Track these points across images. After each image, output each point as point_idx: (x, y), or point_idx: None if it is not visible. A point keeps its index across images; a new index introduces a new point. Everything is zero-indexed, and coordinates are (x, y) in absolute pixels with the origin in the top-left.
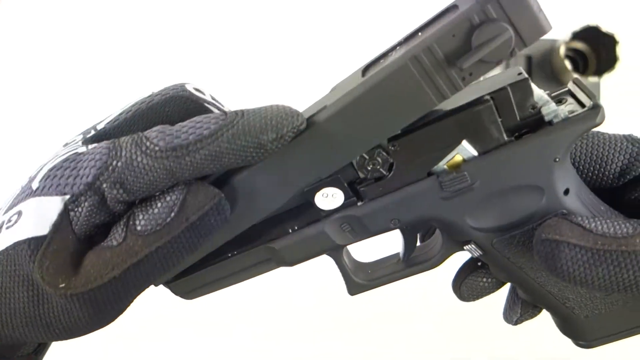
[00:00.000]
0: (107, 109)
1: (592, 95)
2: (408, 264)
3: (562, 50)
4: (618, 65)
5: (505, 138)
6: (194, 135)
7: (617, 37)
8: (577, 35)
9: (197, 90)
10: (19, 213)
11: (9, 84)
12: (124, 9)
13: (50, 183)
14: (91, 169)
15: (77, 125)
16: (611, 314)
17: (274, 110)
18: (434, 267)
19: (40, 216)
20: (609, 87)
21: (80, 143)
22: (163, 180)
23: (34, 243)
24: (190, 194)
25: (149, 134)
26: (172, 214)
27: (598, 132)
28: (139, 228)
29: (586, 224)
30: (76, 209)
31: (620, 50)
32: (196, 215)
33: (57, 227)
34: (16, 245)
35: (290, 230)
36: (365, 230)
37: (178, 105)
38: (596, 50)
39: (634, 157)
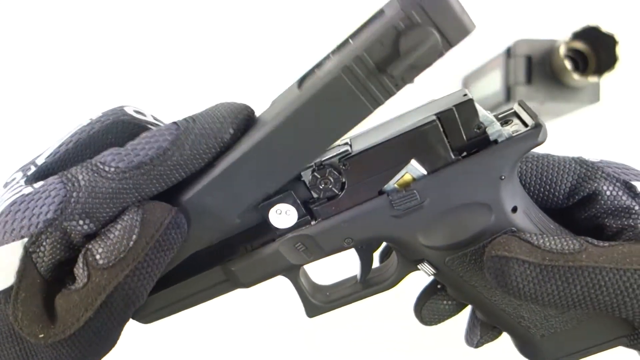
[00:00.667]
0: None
1: (535, 115)
2: (365, 285)
3: (562, 50)
4: (618, 65)
5: (453, 157)
6: (154, 149)
7: (617, 37)
8: (577, 35)
9: (137, 112)
10: None
11: (8, 84)
12: (121, 9)
13: (3, 230)
14: (50, 205)
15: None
16: (567, 333)
17: (224, 107)
18: (390, 288)
19: (3, 267)
20: (609, 87)
21: (22, 182)
22: (131, 200)
23: (3, 295)
24: (148, 212)
25: (102, 158)
26: (134, 237)
27: (548, 154)
28: (100, 262)
29: (534, 241)
30: (38, 250)
31: (620, 50)
32: (159, 231)
33: (21, 273)
34: None
35: (245, 250)
36: (320, 249)
37: (120, 130)
38: (596, 50)
39: (582, 178)
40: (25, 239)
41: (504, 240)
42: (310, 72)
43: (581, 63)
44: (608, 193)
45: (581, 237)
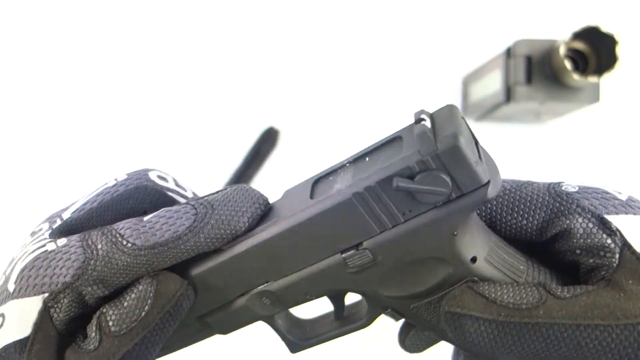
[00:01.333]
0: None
1: (489, 167)
2: (340, 324)
3: (562, 51)
4: (618, 65)
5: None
6: (170, 232)
7: (617, 37)
8: (577, 35)
9: (160, 177)
10: (2, 316)
11: (8, 84)
12: (121, 11)
13: (27, 284)
14: (68, 269)
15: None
16: None
17: (242, 196)
18: (365, 327)
19: (22, 318)
20: (609, 87)
21: (47, 235)
22: (143, 273)
23: (19, 346)
24: (161, 283)
25: (122, 230)
26: (147, 307)
27: (523, 185)
28: (112, 329)
29: (491, 294)
30: (55, 306)
31: (620, 50)
32: (171, 303)
33: (38, 325)
34: (6, 348)
35: (223, 304)
36: (284, 303)
37: (142, 196)
38: (596, 50)
39: (555, 213)
40: (46, 294)
41: (459, 294)
42: (325, 176)
43: (581, 63)
44: (581, 231)
45: (545, 284)
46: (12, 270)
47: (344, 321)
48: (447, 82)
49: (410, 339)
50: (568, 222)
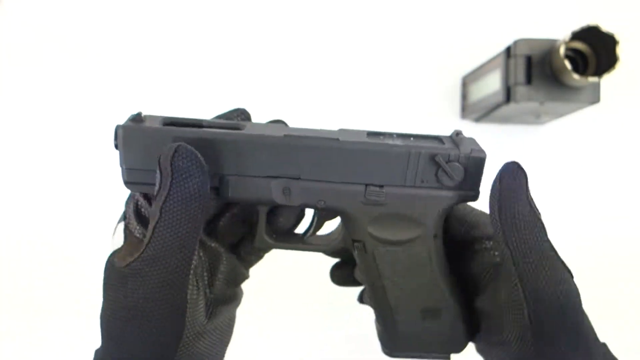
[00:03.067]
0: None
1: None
2: (306, 241)
3: (562, 50)
4: (618, 65)
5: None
6: None
7: (617, 37)
8: (577, 35)
9: None
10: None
11: (9, 84)
12: (124, 11)
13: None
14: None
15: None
16: (418, 335)
17: None
18: (322, 251)
19: (118, 236)
20: (609, 87)
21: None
22: None
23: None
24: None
25: None
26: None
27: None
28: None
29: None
30: (129, 224)
31: (620, 50)
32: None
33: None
34: None
35: (253, 176)
36: (299, 199)
37: None
38: (596, 50)
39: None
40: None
41: None
42: (375, 134)
43: (581, 63)
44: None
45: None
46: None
47: (309, 240)
48: (446, 82)
49: (340, 274)
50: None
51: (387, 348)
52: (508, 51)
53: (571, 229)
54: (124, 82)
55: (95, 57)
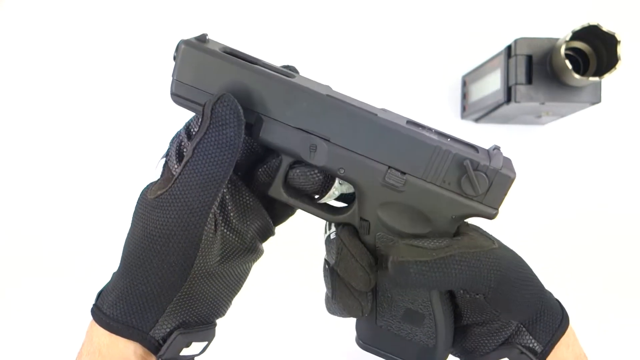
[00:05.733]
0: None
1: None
2: (316, 204)
3: (563, 50)
4: (618, 65)
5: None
6: None
7: (618, 36)
8: (577, 35)
9: None
10: None
11: (9, 84)
12: (124, 11)
13: None
14: None
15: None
16: (394, 335)
17: None
18: (328, 219)
19: None
20: (609, 87)
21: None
22: None
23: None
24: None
25: None
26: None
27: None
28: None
29: (419, 245)
30: None
31: (620, 49)
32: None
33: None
34: None
35: (286, 123)
36: (321, 159)
37: None
38: (597, 49)
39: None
40: None
41: (402, 247)
42: (415, 124)
43: (581, 63)
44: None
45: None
46: None
47: (322, 205)
48: (447, 81)
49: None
50: None
51: (361, 339)
52: (508, 50)
53: (571, 229)
54: (124, 82)
55: (95, 57)
